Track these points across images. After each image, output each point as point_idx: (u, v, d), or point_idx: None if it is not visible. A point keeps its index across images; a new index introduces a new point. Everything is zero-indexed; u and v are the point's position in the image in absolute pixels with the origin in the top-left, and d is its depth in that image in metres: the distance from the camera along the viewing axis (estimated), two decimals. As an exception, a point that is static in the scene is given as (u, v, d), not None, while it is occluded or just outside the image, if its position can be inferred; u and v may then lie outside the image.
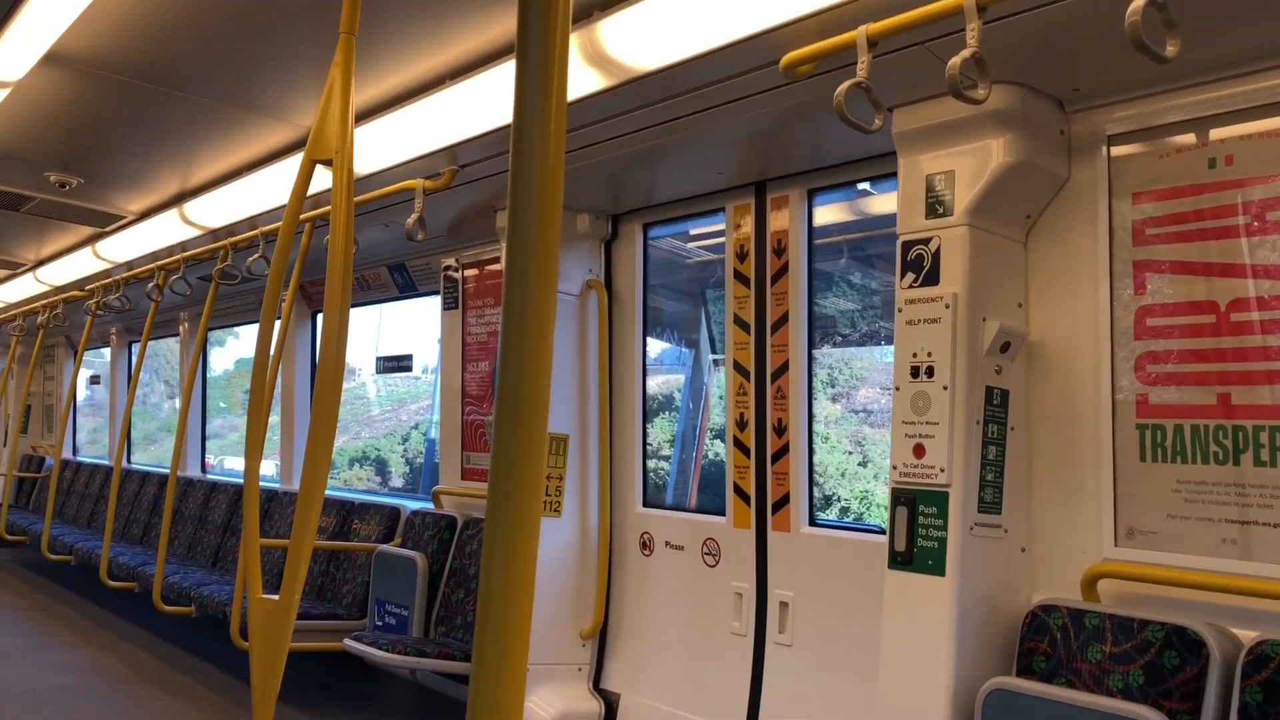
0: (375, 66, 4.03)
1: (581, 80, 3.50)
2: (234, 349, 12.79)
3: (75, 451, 12.76)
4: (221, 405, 12.38)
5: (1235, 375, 2.80)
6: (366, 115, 4.39)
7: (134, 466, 10.83)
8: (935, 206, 3.12)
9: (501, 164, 4.27)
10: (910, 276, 3.15)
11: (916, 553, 3.04)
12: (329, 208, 3.01)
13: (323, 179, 3.37)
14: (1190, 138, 2.93)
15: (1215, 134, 2.88)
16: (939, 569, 2.99)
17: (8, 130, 5.22)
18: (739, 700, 4.21)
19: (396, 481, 12.65)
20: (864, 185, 4.29)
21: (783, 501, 4.17)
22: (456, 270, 5.73)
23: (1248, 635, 2.62)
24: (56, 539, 8.99)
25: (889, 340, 3.21)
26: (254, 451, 3.40)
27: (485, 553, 1.18)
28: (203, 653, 7.08)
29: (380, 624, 5.61)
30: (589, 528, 4.90)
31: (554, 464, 4.81)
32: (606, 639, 4.90)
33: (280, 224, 3.30)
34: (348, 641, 5.00)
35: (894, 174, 3.30)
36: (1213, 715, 2.58)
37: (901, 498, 3.09)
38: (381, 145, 4.51)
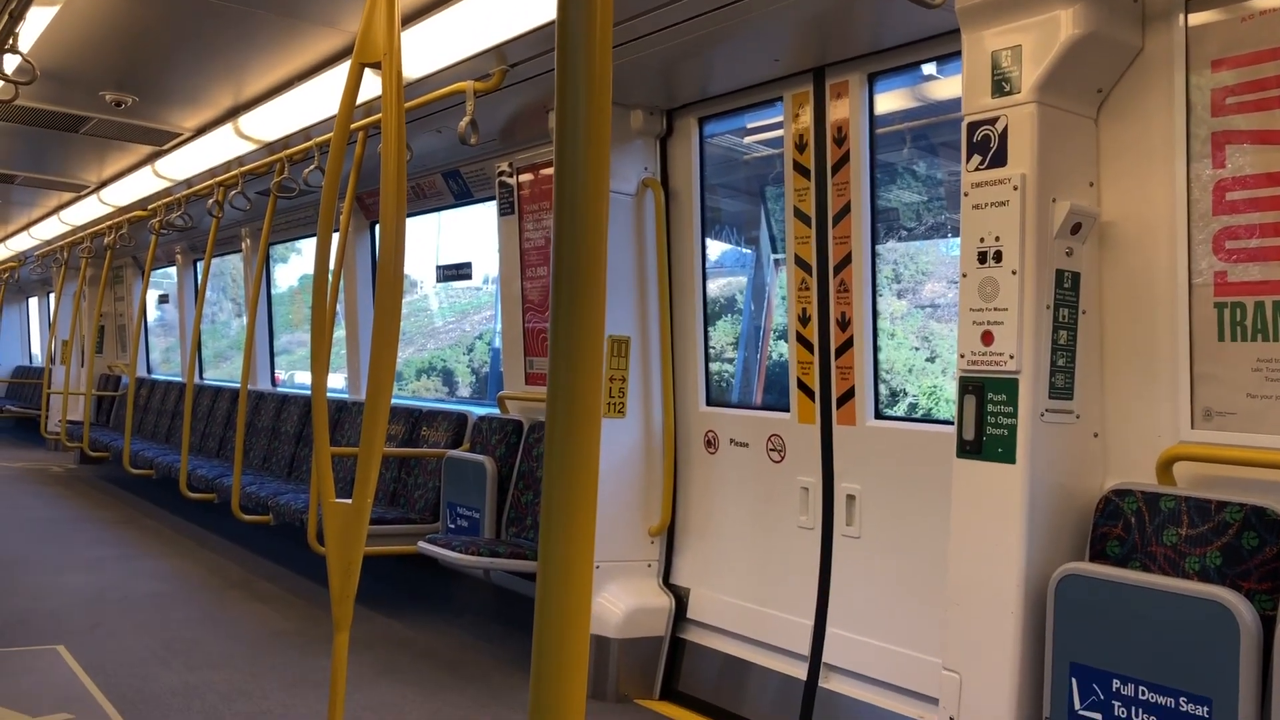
0: (420, -35, 3.95)
1: (630, -32, 3.40)
2: (297, 265, 12.93)
3: (150, 370, 13.08)
4: (289, 320, 12.56)
5: (1320, 248, 2.68)
6: (414, 17, 4.32)
7: (206, 382, 11.08)
8: (1001, 84, 3.00)
9: (551, 62, 4.20)
10: (977, 159, 3.05)
11: (986, 441, 3.00)
12: (381, 115, 2.98)
13: (373, 86, 3.33)
14: (1274, -1, 2.77)
15: (1302, -7, 2.72)
16: (1009, 457, 2.95)
17: (62, 50, 5.23)
18: (808, 593, 4.24)
19: (464, 391, 12.80)
20: (929, 69, 4.15)
21: (847, 396, 4.14)
22: (511, 175, 5.69)
23: (1331, 514, 2.56)
24: (137, 454, 9.28)
25: (955, 233, 3.12)
26: (319, 362, 3.44)
27: (547, 453, 1.17)
28: (282, 559, 7.31)
29: (452, 527, 5.72)
30: (653, 428, 4.92)
31: (616, 366, 4.82)
32: (674, 535, 4.95)
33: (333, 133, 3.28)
34: (422, 544, 5.11)
35: (958, 53, 3.18)
36: (1293, 595, 2.54)
37: (970, 386, 3.04)
38: (430, 48, 4.45)
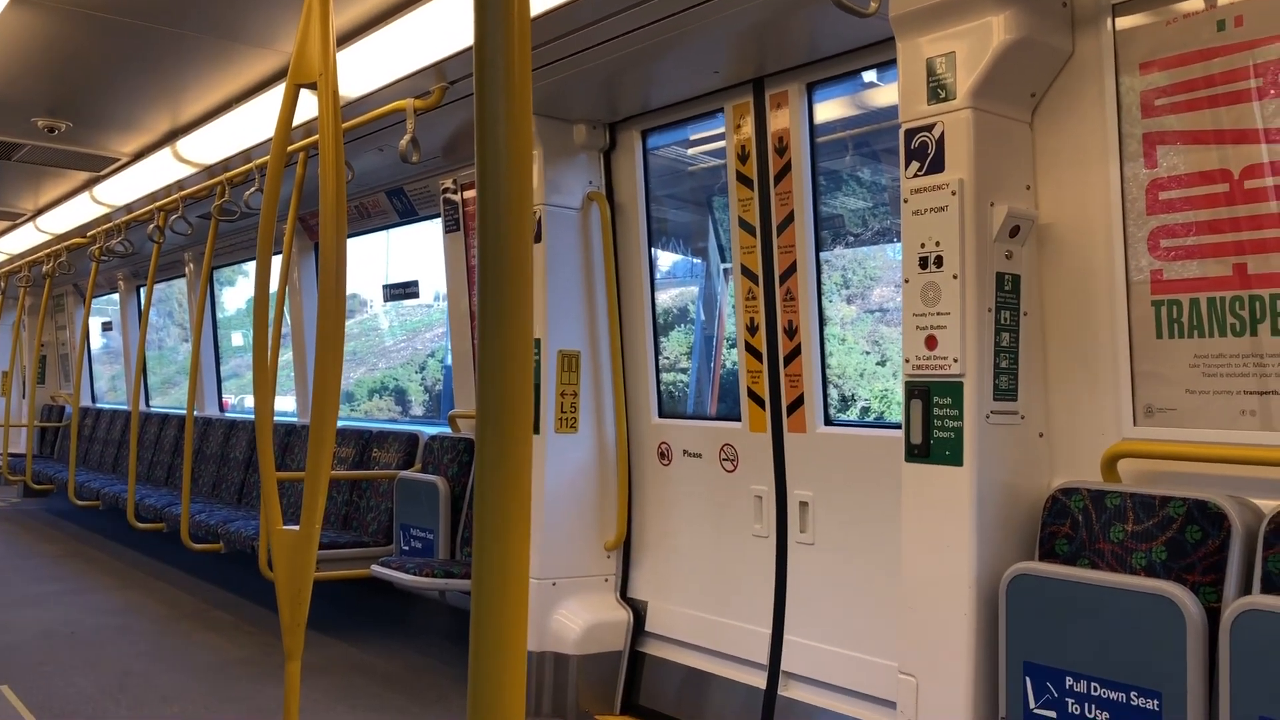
0: (355, -16, 3.93)
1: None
2: (245, 288, 12.76)
3: (94, 399, 12.86)
4: (236, 345, 12.41)
5: (1251, 244, 2.74)
6: (350, 36, 4.29)
7: (153, 410, 10.91)
8: (937, 91, 3.04)
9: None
10: (915, 165, 3.08)
11: (933, 444, 3.02)
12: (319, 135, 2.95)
13: (311, 106, 3.30)
14: (1197, 2, 2.83)
15: (1224, -5, 2.77)
16: (956, 459, 2.97)
17: (-9, 77, 5.14)
18: (765, 601, 4.25)
19: (417, 410, 12.70)
20: (869, 77, 4.18)
21: (797, 403, 4.16)
22: (455, 192, 5.66)
23: (1269, 505, 2.61)
24: (83, 485, 9.10)
25: (901, 238, 3.14)
26: (262, 386, 3.40)
27: (478, 470, 1.16)
28: (235, 587, 7.20)
29: (406, 549, 5.67)
30: (606, 441, 4.90)
31: (567, 381, 4.80)
32: (631, 549, 4.94)
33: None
34: (375, 567, 5.06)
35: (895, 61, 3.21)
36: (1235, 586, 2.57)
37: (916, 390, 3.06)
38: (368, 66, 4.42)
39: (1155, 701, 2.54)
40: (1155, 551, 2.70)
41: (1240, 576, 2.58)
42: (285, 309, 6.96)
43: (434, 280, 7.69)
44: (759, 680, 4.23)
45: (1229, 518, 2.60)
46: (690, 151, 5.32)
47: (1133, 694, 2.58)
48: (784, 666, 4.14)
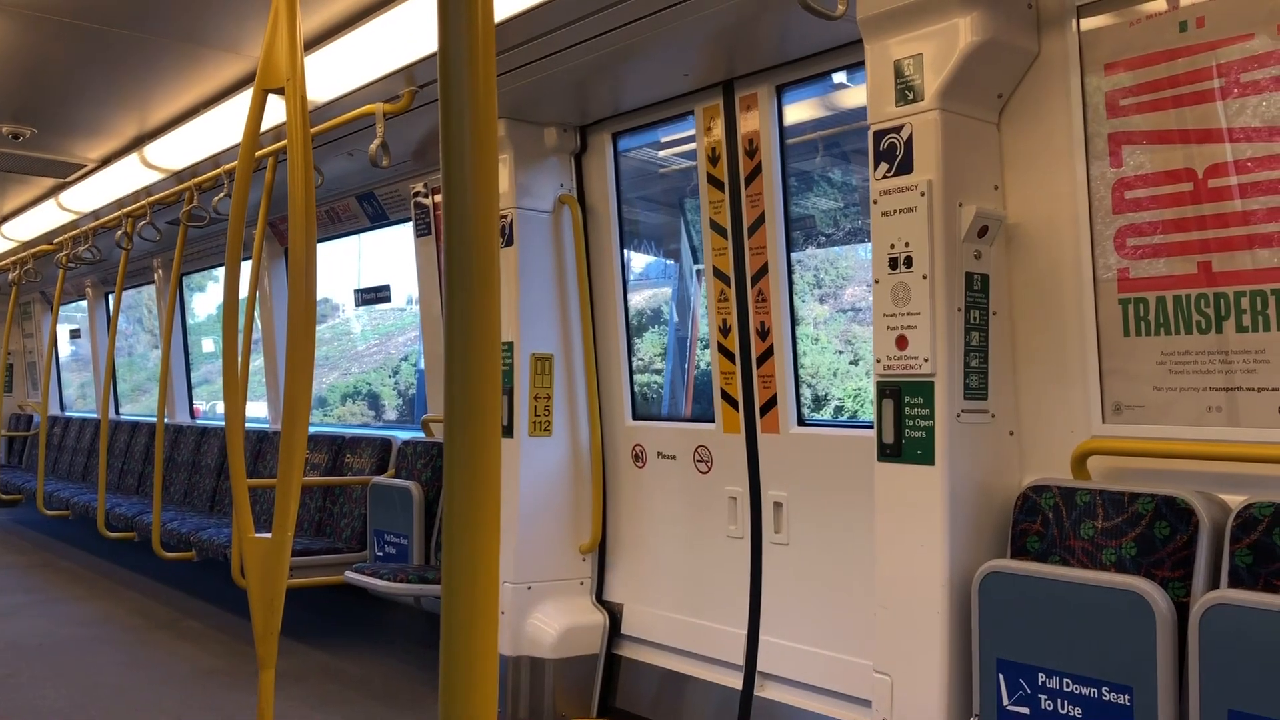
0: (322, -12, 3.91)
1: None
2: (215, 294, 12.67)
3: (63, 407, 12.73)
4: (206, 351, 12.32)
5: (1215, 242, 2.77)
6: (318, 41, 4.28)
7: (123, 418, 10.81)
8: (905, 93, 3.05)
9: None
10: (884, 167, 3.09)
11: (905, 444, 3.04)
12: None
13: (280, 110, 3.29)
14: (1160, 3, 2.86)
15: (1186, -4, 2.80)
16: (928, 458, 2.98)
17: (-47, 83, 5.08)
18: (740, 602, 4.25)
19: (390, 414, 12.65)
20: (839, 78, 4.20)
21: (770, 404, 4.17)
22: (426, 195, 5.64)
23: (1235, 500, 2.63)
24: (51, 494, 9.01)
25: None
26: (233, 393, 3.38)
27: (446, 473, 1.16)
28: (208, 595, 7.15)
29: (380, 555, 5.64)
30: (581, 444, 4.90)
31: (540, 384, 4.79)
32: (606, 552, 4.93)
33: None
34: (349, 574, 5.03)
35: (863, 63, 3.22)
36: (1204, 580, 2.60)
37: (887, 390, 3.08)
38: (336, 70, 4.40)
39: (1126, 696, 2.56)
40: (1125, 548, 2.73)
41: (1208, 571, 2.61)
42: (256, 315, 6.93)
43: (406, 284, 7.66)
44: (735, 681, 4.23)
45: (1197, 513, 2.63)
46: (661, 154, 5.33)
47: (1104, 689, 2.61)
48: (760, 667, 4.15)
